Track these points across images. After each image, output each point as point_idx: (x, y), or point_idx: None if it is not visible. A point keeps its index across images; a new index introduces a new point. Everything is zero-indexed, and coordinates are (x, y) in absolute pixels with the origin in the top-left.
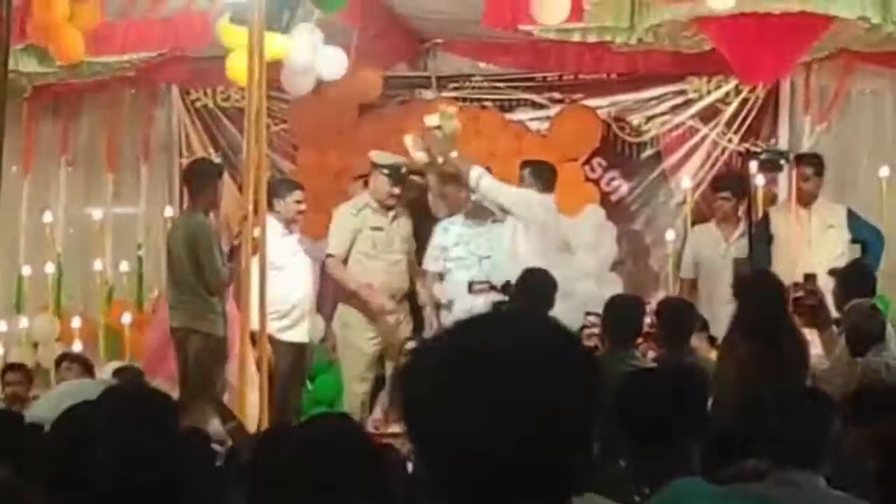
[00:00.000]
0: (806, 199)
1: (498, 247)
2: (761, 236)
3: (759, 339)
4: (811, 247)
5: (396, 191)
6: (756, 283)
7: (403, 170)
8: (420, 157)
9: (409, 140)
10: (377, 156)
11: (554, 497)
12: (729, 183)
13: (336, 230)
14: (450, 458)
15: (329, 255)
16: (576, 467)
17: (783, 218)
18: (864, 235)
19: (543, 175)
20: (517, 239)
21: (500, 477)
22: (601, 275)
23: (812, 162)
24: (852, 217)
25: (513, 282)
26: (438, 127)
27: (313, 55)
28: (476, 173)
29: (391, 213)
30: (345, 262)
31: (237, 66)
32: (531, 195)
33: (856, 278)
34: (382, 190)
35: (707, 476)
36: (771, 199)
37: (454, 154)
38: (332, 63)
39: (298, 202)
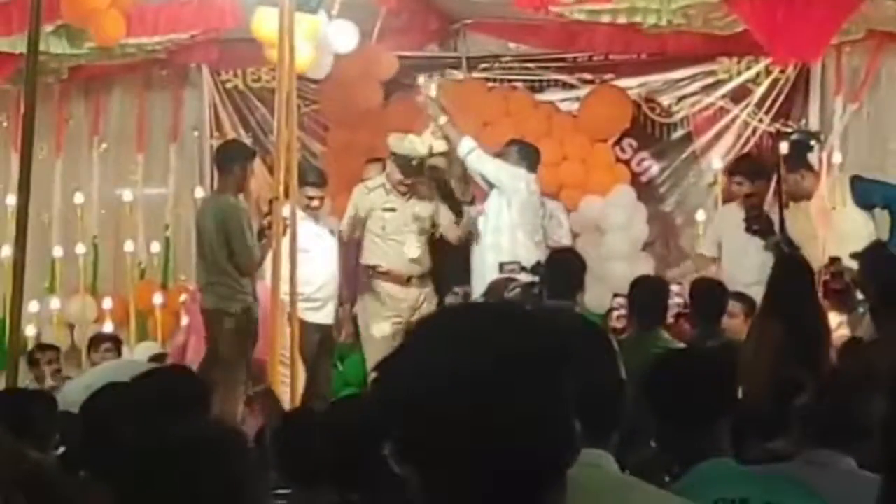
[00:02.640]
0: (798, 196)
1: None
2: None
3: (789, 321)
4: (816, 238)
5: (407, 181)
6: (789, 268)
7: (415, 162)
8: (439, 145)
9: (427, 133)
10: (394, 143)
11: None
12: (741, 167)
13: (348, 209)
14: (428, 459)
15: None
16: (551, 461)
17: (792, 218)
18: (878, 198)
19: (530, 156)
20: (502, 213)
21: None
22: (632, 255)
23: (787, 162)
24: (859, 183)
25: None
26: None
27: (325, 30)
28: (466, 146)
29: (407, 193)
30: (359, 242)
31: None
32: (517, 170)
33: (877, 259)
34: (393, 177)
35: (737, 456)
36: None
37: (443, 120)
38: (344, 36)
39: (311, 198)
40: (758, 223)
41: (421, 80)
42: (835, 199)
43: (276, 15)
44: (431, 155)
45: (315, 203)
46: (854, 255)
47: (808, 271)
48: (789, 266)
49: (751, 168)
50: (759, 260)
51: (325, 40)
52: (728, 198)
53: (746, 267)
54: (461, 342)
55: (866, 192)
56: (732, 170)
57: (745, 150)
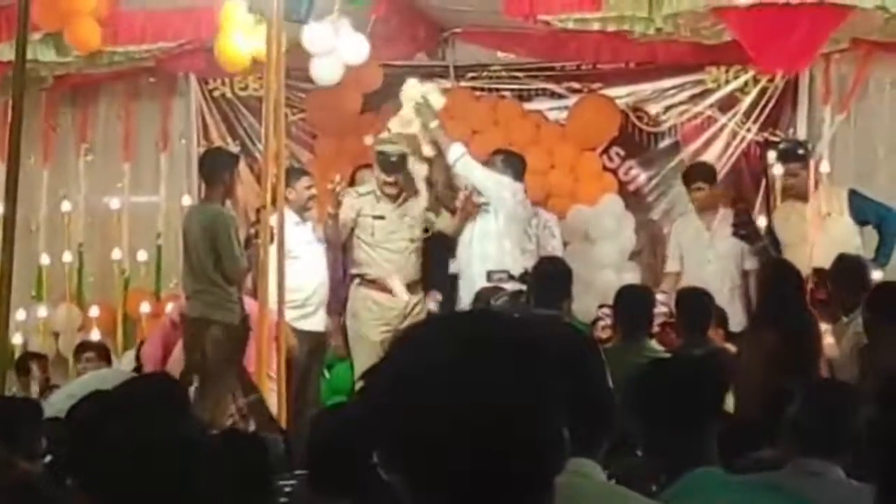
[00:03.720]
0: (804, 193)
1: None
2: (769, 246)
3: (784, 329)
4: (806, 241)
5: (391, 179)
6: (778, 274)
7: (394, 158)
8: (426, 150)
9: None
10: (375, 141)
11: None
12: (698, 173)
13: (341, 213)
14: (414, 467)
15: None
16: (537, 467)
17: (782, 217)
18: (872, 216)
19: (515, 165)
20: (489, 221)
21: (467, 476)
22: (620, 264)
23: (795, 156)
24: (855, 199)
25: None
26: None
27: (334, 41)
28: (456, 152)
29: (397, 200)
30: (344, 246)
31: (227, 50)
32: (503, 179)
33: (846, 274)
34: (379, 177)
35: (726, 465)
36: (790, 189)
37: (435, 124)
38: (355, 49)
39: (308, 188)
40: (745, 228)
41: (411, 82)
42: (831, 206)
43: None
44: (420, 157)
45: (314, 191)
46: (821, 273)
47: (799, 277)
48: (780, 272)
49: (706, 173)
50: (719, 266)
51: (335, 50)
52: (725, 205)
53: (708, 273)
54: (446, 349)
55: (861, 209)
56: (690, 177)
57: (733, 158)
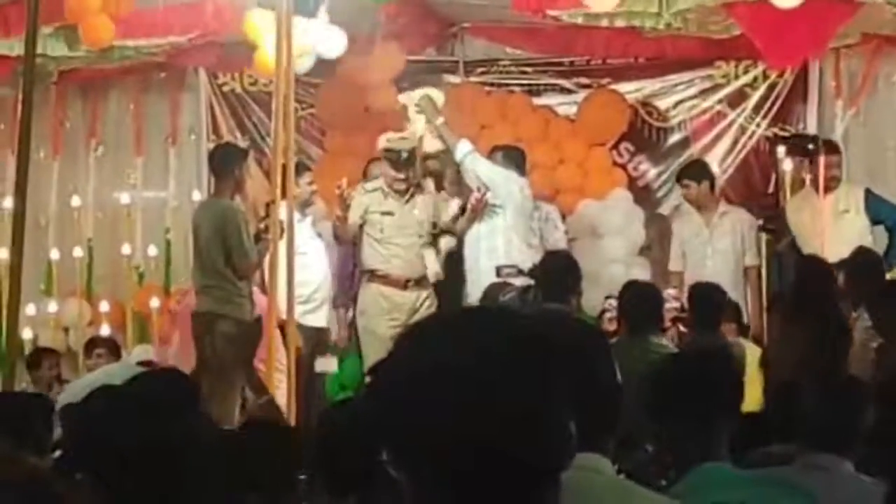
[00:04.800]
0: (832, 182)
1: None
2: (786, 244)
3: (817, 329)
4: (821, 235)
5: (401, 175)
6: (812, 271)
7: (405, 155)
8: (433, 145)
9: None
10: (384, 139)
11: (531, 489)
12: (687, 171)
13: (351, 212)
14: (421, 462)
15: None
16: (541, 462)
17: (796, 208)
18: (886, 216)
19: (516, 159)
20: (496, 216)
21: (471, 475)
22: (629, 259)
23: (828, 149)
24: (871, 198)
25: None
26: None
27: (307, 39)
28: (464, 148)
29: (405, 196)
30: (355, 240)
31: (265, 60)
32: (510, 174)
33: (864, 268)
34: (388, 174)
35: (735, 460)
36: (800, 184)
37: (440, 121)
38: (331, 42)
39: (310, 183)
40: (773, 223)
41: (424, 89)
42: (848, 203)
43: (269, 16)
44: (426, 157)
45: (315, 187)
46: (839, 265)
47: (831, 275)
48: (814, 270)
49: (693, 171)
50: (719, 262)
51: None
52: (735, 200)
53: (708, 269)
54: (452, 345)
55: (876, 209)
56: (679, 176)
57: (742, 154)
